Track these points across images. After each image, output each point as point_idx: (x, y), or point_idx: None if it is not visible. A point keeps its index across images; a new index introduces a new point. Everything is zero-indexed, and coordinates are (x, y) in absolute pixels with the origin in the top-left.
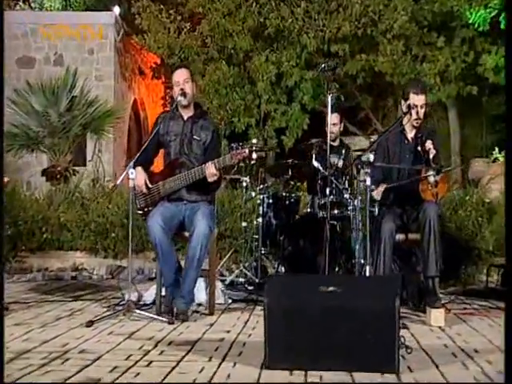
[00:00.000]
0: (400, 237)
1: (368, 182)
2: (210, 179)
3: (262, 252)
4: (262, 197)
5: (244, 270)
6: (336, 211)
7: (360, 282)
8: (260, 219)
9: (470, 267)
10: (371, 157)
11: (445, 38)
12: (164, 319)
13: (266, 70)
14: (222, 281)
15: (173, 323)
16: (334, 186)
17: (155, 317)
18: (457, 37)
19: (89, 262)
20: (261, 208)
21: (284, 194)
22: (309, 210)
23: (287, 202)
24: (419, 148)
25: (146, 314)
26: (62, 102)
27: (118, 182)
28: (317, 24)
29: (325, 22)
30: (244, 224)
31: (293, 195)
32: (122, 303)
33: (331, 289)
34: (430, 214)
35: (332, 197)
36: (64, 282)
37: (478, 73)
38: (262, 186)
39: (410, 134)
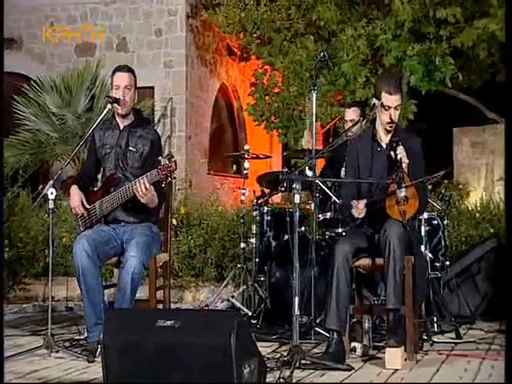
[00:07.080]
0: (366, 261)
1: (297, 200)
2: (143, 199)
3: (261, 279)
4: (255, 213)
5: (232, 300)
6: (340, 229)
7: (200, 317)
8: (253, 240)
9: None
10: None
11: None
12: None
13: (353, 45)
14: None
15: (93, 361)
16: (332, 200)
17: (76, 354)
18: None
19: None
20: (254, 226)
21: (287, 208)
22: (303, 228)
23: (288, 219)
24: (392, 155)
25: (69, 351)
26: (80, 100)
27: (35, 204)
28: None
29: None
30: (242, 245)
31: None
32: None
33: (168, 323)
34: (391, 235)
35: (331, 213)
36: (54, 314)
37: None
38: (256, 201)
39: (385, 140)
